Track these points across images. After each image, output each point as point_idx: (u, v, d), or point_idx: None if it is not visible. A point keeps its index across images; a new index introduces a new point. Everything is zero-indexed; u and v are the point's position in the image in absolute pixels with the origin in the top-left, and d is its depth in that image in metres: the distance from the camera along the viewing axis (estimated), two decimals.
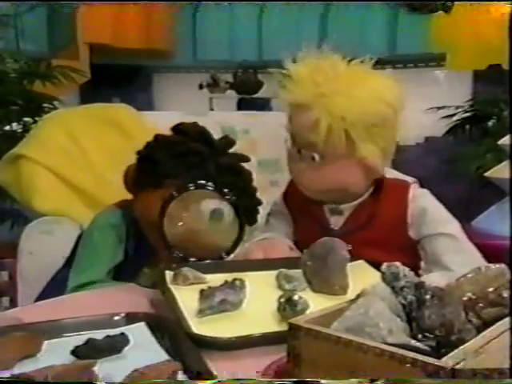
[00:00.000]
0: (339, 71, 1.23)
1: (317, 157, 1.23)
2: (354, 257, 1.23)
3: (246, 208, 1.22)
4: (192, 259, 1.13)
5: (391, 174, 1.37)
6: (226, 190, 1.16)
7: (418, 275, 1.22)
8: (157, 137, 1.30)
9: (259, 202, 1.32)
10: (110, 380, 0.69)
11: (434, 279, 1.12)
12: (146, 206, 1.28)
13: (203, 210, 1.14)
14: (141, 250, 1.32)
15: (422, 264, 1.31)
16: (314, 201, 1.33)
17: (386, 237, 1.27)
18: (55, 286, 1.32)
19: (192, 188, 1.14)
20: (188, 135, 1.29)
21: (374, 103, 1.20)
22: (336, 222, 1.32)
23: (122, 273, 1.29)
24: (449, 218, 1.30)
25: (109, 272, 1.28)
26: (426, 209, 1.27)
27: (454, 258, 1.22)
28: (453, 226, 1.29)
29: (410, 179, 1.36)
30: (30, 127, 2.98)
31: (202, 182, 1.16)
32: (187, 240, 1.15)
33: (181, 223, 1.14)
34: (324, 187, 1.27)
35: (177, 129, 1.32)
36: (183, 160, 1.24)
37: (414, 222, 1.28)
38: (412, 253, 1.29)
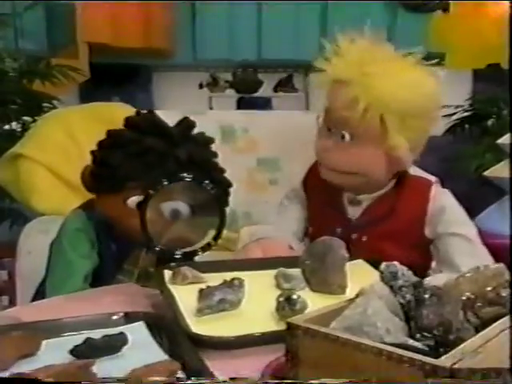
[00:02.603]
0: (388, 56, 1.23)
1: (347, 136, 1.23)
2: (368, 249, 1.25)
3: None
4: (178, 252, 1.10)
5: (414, 171, 1.36)
6: (206, 182, 1.11)
7: (426, 276, 1.22)
8: (109, 133, 1.23)
9: (229, 184, 1.24)
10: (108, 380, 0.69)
11: (441, 279, 1.13)
12: (109, 209, 1.25)
13: (163, 211, 1.10)
14: (116, 248, 1.29)
15: (433, 264, 1.31)
16: (333, 189, 1.33)
17: (402, 232, 1.28)
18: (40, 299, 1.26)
19: (166, 183, 1.08)
20: (141, 130, 1.22)
21: (415, 94, 1.20)
22: (354, 212, 1.33)
23: (100, 275, 1.26)
24: (466, 220, 1.30)
25: (86, 278, 1.24)
26: (445, 208, 1.28)
27: (467, 260, 1.21)
28: (469, 228, 1.29)
29: (432, 178, 1.36)
30: (29, 126, 2.97)
31: (180, 175, 1.10)
32: (170, 236, 1.11)
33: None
34: (346, 169, 1.27)
35: (129, 123, 1.23)
36: (140, 160, 1.18)
37: (432, 220, 1.28)
38: (425, 252, 1.30)
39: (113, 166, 1.19)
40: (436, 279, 1.10)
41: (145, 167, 1.17)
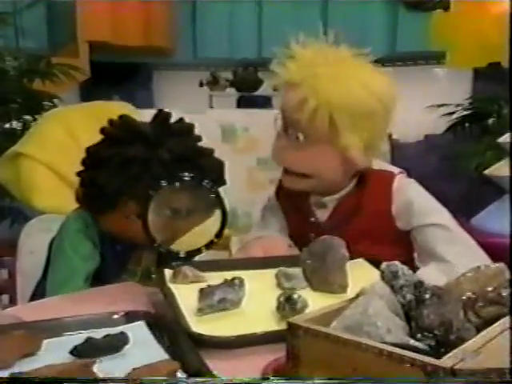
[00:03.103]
0: (340, 57, 1.24)
1: (301, 136, 1.24)
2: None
3: (212, 178, 1.15)
4: (182, 252, 1.10)
5: (378, 165, 1.35)
6: (206, 180, 1.10)
7: (414, 266, 1.23)
8: (88, 152, 1.21)
9: (221, 163, 1.23)
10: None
11: (431, 274, 1.13)
12: (111, 226, 1.24)
13: (165, 210, 1.10)
14: (119, 248, 1.28)
15: (416, 255, 1.31)
16: (299, 194, 1.33)
17: (373, 229, 1.28)
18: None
19: (165, 185, 1.08)
20: (118, 140, 1.18)
21: (362, 94, 1.21)
22: (321, 215, 1.33)
23: (103, 275, 1.25)
24: (437, 208, 1.30)
25: (86, 280, 1.23)
26: (412, 200, 1.27)
27: (449, 248, 1.22)
28: (442, 215, 1.28)
29: (395, 170, 1.36)
30: (29, 125, 2.98)
31: (178, 175, 1.09)
32: (173, 236, 1.11)
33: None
34: (300, 169, 1.28)
35: (104, 135, 1.20)
36: (125, 173, 1.15)
37: (401, 213, 1.28)
38: (405, 244, 1.29)
39: (100, 186, 1.17)
40: (428, 274, 1.11)
41: (131, 179, 1.14)
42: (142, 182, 1.12)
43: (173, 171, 1.11)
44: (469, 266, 1.16)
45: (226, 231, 1.15)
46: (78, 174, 1.23)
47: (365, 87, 1.21)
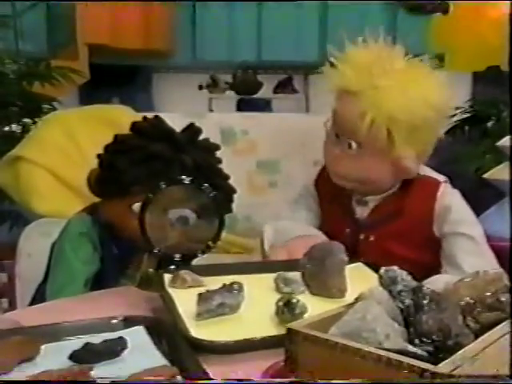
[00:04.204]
0: (397, 66, 1.23)
1: (354, 145, 1.25)
2: (376, 248, 1.27)
3: (220, 200, 1.16)
4: (178, 256, 1.10)
5: (423, 170, 1.37)
6: (205, 185, 1.11)
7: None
8: (116, 138, 1.24)
9: (232, 190, 1.25)
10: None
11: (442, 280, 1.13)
12: (114, 214, 1.25)
13: (170, 218, 1.10)
14: (119, 252, 1.29)
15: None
16: (342, 190, 1.34)
17: (410, 232, 1.29)
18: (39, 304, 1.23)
19: (164, 186, 1.08)
20: (147, 135, 1.23)
21: (423, 108, 1.20)
22: (362, 212, 1.34)
23: (103, 279, 1.26)
24: (471, 220, 1.31)
25: (86, 284, 1.24)
26: (451, 207, 1.28)
27: (469, 259, 1.22)
28: (474, 228, 1.29)
29: (441, 177, 1.37)
30: (29, 128, 2.97)
31: (178, 177, 1.11)
32: (169, 239, 1.11)
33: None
34: (353, 177, 1.29)
35: (135, 129, 1.25)
36: (146, 166, 1.19)
37: (439, 219, 1.29)
38: (435, 251, 1.30)
39: (118, 171, 1.20)
40: (436, 281, 1.11)
41: (150, 173, 1.17)
42: (158, 179, 1.12)
43: (189, 178, 1.12)
44: None
45: (224, 235, 1.15)
46: (99, 156, 1.25)
47: (425, 101, 1.20)
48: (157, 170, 1.18)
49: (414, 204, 1.30)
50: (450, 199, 1.30)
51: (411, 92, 1.20)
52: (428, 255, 1.29)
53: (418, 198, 1.31)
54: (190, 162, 1.19)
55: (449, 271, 1.24)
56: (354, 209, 1.35)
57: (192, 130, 1.27)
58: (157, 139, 1.22)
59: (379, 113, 1.19)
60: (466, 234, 1.26)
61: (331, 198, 1.39)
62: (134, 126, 1.25)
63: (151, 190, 1.08)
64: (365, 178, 1.28)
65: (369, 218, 1.33)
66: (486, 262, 1.23)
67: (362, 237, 1.32)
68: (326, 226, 1.40)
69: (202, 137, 1.27)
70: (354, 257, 1.21)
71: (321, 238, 1.31)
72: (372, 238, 1.32)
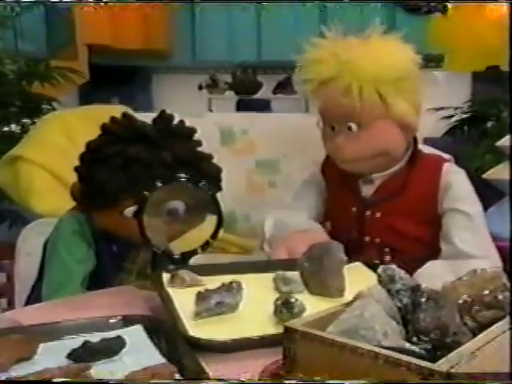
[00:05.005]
0: (356, 42, 1.29)
1: (353, 126, 1.27)
2: (382, 225, 1.31)
3: (209, 182, 1.14)
4: (177, 253, 1.09)
5: (428, 149, 1.41)
6: (202, 181, 1.10)
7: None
8: (89, 146, 1.20)
9: (219, 170, 1.22)
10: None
11: (437, 269, 1.15)
12: (107, 222, 1.23)
13: (161, 211, 1.09)
14: (115, 248, 1.27)
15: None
16: (349, 172, 1.36)
17: (415, 208, 1.31)
18: (35, 303, 1.22)
19: (160, 185, 1.07)
20: (121, 138, 1.17)
21: (394, 59, 1.26)
22: (367, 190, 1.36)
23: (99, 275, 1.24)
24: (471, 198, 1.32)
25: (83, 282, 1.22)
26: (451, 184, 1.30)
27: (462, 235, 1.24)
28: (472, 205, 1.31)
29: (446, 156, 1.38)
30: (28, 128, 2.98)
31: (175, 175, 1.09)
32: (168, 236, 1.11)
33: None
34: (368, 154, 1.30)
35: (107, 130, 1.20)
36: (126, 172, 1.14)
37: (441, 196, 1.31)
38: (439, 229, 1.31)
39: (100, 183, 1.16)
40: (427, 270, 1.12)
41: (132, 178, 1.14)
42: (143, 183, 1.11)
43: (173, 173, 1.11)
44: (471, 257, 1.18)
45: (222, 234, 1.15)
46: (76, 168, 1.22)
47: (395, 54, 1.26)
48: (138, 174, 1.14)
49: (419, 181, 1.32)
50: (453, 177, 1.32)
51: (377, 51, 1.26)
52: (431, 232, 1.31)
53: (423, 175, 1.33)
54: (169, 158, 1.15)
55: (442, 246, 1.27)
56: (360, 188, 1.37)
57: (164, 119, 1.21)
58: (131, 140, 1.17)
59: (361, 79, 1.23)
60: (462, 211, 1.28)
61: (338, 181, 1.41)
62: (104, 127, 1.20)
63: (148, 189, 1.07)
64: (379, 149, 1.29)
65: (374, 196, 1.35)
66: (479, 240, 1.25)
67: (367, 214, 1.35)
68: (333, 208, 1.43)
69: (176, 122, 1.22)
70: (360, 234, 1.31)
71: (320, 232, 1.33)
72: (378, 215, 1.34)
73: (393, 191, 1.33)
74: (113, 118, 1.21)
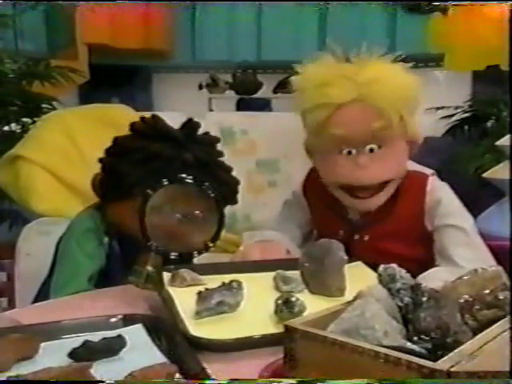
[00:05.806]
0: (360, 62, 1.25)
1: (376, 148, 1.24)
2: (371, 248, 1.26)
3: (224, 192, 1.19)
4: (174, 253, 1.10)
5: (410, 165, 1.36)
6: (206, 184, 1.12)
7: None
8: (115, 141, 1.25)
9: (236, 182, 1.27)
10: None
11: (442, 274, 1.14)
12: (120, 215, 1.26)
13: (163, 210, 1.11)
14: (126, 249, 1.28)
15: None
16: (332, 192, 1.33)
17: (404, 229, 1.29)
18: (44, 299, 1.24)
19: (166, 183, 1.09)
20: (147, 135, 1.23)
21: (405, 79, 1.25)
22: (354, 213, 1.33)
23: (109, 275, 1.26)
24: (462, 212, 1.31)
25: (91, 279, 1.24)
26: (441, 200, 1.28)
27: (460, 251, 1.22)
28: (464, 219, 1.29)
29: (428, 171, 1.37)
30: (28, 128, 2.98)
31: (180, 176, 1.12)
32: (168, 237, 1.12)
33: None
34: (392, 173, 1.27)
35: (134, 129, 1.25)
36: (147, 166, 1.19)
37: (429, 213, 1.29)
38: (430, 246, 1.30)
39: (120, 174, 1.21)
40: (433, 274, 1.11)
41: (152, 173, 1.17)
42: (160, 179, 1.12)
43: (190, 175, 1.13)
44: None
45: (224, 234, 1.15)
46: (100, 160, 1.26)
47: (403, 74, 1.25)
48: (158, 170, 1.17)
49: (405, 201, 1.30)
50: (440, 192, 1.30)
51: (392, 72, 1.24)
52: (423, 251, 1.29)
53: (408, 194, 1.30)
54: (191, 159, 1.19)
55: (441, 264, 1.24)
56: (346, 210, 1.34)
57: (190, 126, 1.26)
58: (156, 139, 1.22)
59: (387, 101, 1.20)
60: (456, 226, 1.26)
61: (322, 202, 1.37)
62: (133, 126, 1.25)
63: (152, 188, 1.08)
64: (394, 173, 1.27)
65: (362, 219, 1.32)
66: (478, 254, 1.23)
67: (356, 237, 1.31)
68: (319, 230, 1.40)
69: (201, 131, 1.27)
70: (349, 258, 1.20)
71: (278, 243, 1.31)
72: (366, 238, 1.31)
73: (380, 213, 1.30)
74: (142, 118, 1.27)
